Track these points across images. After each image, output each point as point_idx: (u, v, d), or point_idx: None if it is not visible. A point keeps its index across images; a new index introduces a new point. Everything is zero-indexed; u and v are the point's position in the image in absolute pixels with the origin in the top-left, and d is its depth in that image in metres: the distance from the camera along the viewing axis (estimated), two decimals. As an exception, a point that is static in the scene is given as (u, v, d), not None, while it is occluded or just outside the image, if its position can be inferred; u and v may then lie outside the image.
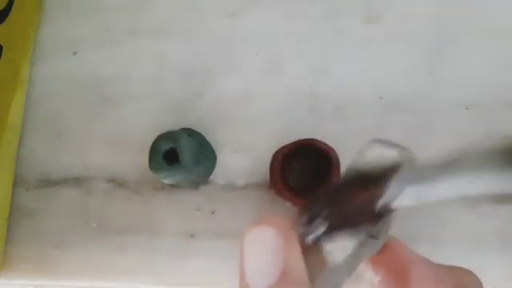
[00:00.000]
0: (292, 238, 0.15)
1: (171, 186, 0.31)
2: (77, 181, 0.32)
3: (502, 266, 0.30)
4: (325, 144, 0.28)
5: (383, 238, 0.18)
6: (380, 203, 0.16)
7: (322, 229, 0.16)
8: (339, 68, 0.32)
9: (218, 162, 0.31)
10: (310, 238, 0.16)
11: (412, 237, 0.23)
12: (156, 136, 0.29)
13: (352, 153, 0.33)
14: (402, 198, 0.16)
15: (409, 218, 0.21)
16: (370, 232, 0.17)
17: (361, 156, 0.17)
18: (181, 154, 0.28)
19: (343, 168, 0.28)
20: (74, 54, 0.34)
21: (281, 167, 0.29)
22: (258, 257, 0.15)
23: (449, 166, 0.15)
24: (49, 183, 0.33)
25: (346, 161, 0.31)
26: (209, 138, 0.31)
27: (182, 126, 0.31)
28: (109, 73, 0.34)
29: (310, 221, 0.17)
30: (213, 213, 0.31)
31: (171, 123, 0.32)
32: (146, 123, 0.32)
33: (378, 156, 0.17)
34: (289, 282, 0.14)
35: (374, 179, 0.17)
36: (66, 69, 0.34)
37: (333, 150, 0.28)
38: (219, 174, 0.31)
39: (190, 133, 0.30)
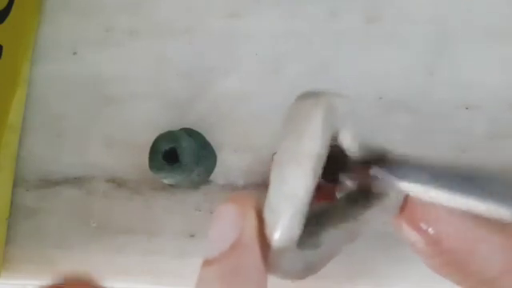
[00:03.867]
0: (249, 213, 0.17)
1: (171, 186, 0.31)
2: (77, 181, 0.32)
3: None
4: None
5: (392, 196, 0.18)
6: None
7: None
8: (339, 68, 0.32)
9: (218, 161, 0.31)
10: None
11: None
12: (156, 136, 0.29)
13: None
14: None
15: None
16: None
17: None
18: (181, 154, 0.28)
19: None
20: (74, 53, 0.34)
21: (281, 167, 0.29)
22: (218, 229, 0.18)
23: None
24: (49, 183, 0.33)
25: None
26: (209, 138, 0.31)
27: (182, 126, 0.31)
28: (109, 73, 0.34)
29: None
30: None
31: (171, 123, 0.32)
32: (146, 123, 0.32)
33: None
34: (238, 250, 0.17)
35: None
36: (66, 69, 0.34)
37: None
38: (219, 174, 0.31)
39: (190, 133, 0.30)
